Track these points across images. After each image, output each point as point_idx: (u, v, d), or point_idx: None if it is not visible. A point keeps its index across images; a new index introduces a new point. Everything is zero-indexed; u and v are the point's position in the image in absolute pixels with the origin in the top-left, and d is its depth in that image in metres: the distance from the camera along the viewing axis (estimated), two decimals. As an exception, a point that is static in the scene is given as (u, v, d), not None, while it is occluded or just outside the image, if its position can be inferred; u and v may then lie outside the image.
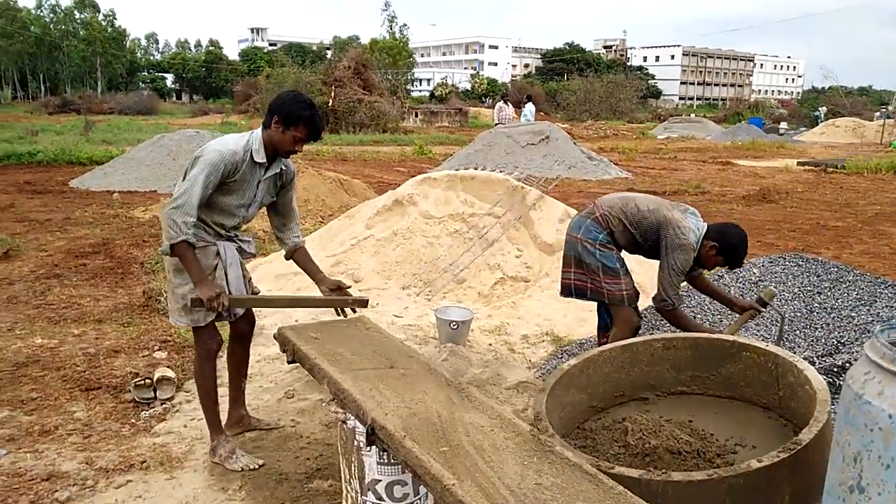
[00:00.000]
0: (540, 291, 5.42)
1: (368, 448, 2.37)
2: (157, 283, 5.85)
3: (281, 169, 3.07)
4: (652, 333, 3.95)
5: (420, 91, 66.94)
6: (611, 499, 1.75)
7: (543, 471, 1.88)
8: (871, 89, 72.91)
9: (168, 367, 4.19)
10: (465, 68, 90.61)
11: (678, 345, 3.20)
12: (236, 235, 3.15)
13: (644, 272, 5.01)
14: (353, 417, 2.39)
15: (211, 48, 78.51)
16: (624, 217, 3.48)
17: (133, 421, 3.64)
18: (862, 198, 11.42)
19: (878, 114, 35.39)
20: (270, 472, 3.08)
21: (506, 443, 2.04)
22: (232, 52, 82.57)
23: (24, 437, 3.37)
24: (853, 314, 3.90)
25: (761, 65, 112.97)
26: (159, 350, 4.59)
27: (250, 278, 3.30)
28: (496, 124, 19.16)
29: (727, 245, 3.34)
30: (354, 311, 3.29)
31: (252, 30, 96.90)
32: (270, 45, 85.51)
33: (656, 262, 3.52)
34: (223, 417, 3.48)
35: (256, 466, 3.07)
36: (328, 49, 64.14)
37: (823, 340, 3.83)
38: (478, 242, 5.93)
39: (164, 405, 3.82)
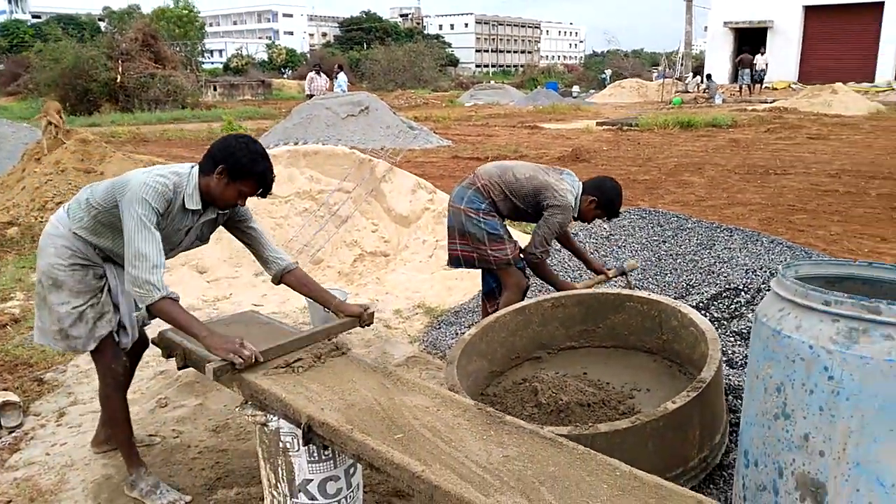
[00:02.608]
0: (402, 265, 5.40)
1: (297, 449, 2.24)
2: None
3: (218, 213, 2.62)
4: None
5: (213, 63, 63.12)
6: (578, 459, 1.79)
7: (505, 442, 1.88)
8: (644, 52, 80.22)
9: (6, 390, 3.66)
10: (260, 38, 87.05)
11: (566, 302, 3.35)
12: None
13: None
14: (274, 419, 2.23)
15: (-39, 22, 68.29)
16: (504, 186, 3.54)
17: (-23, 457, 3.14)
18: (659, 152, 12.59)
19: (655, 74, 39.09)
20: (166, 489, 2.80)
21: (456, 420, 2.01)
22: (-12, 27, 72.48)
23: None
24: (696, 258, 4.30)
25: (547, 31, 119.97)
26: (-14, 372, 3.99)
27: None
28: (308, 96, 18.62)
29: (605, 198, 3.53)
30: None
31: (10, 0, 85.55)
32: (34, 16, 76.12)
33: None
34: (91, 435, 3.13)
35: (185, 502, 2.71)
36: (101, 20, 58.30)
37: (674, 284, 4.20)
38: (330, 220, 5.76)
39: (12, 433, 3.34)
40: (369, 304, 2.86)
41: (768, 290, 2.34)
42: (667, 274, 4.31)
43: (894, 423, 1.78)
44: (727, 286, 3.93)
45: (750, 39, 35.64)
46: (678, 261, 4.37)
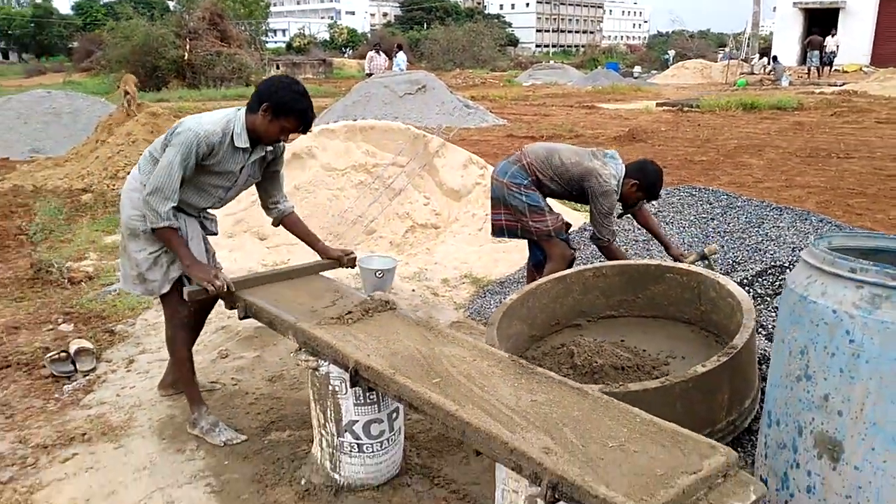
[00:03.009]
0: (452, 237, 5.55)
1: (345, 392, 2.42)
2: (46, 254, 5.45)
3: (266, 151, 2.87)
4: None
5: (276, 42, 64.14)
6: (601, 406, 1.92)
7: (534, 389, 2.02)
8: (710, 32, 78.00)
9: (80, 338, 3.97)
10: (322, 18, 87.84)
11: (607, 272, 3.44)
12: (200, 214, 2.98)
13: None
14: (325, 364, 2.42)
15: (39, 1, 70.97)
16: (550, 169, 3.65)
17: (56, 396, 3.44)
18: (719, 133, 12.37)
19: (720, 55, 38.06)
20: (225, 429, 3.04)
21: (491, 370, 2.16)
22: (63, 6, 75.15)
23: (-63, 425, 3.12)
24: (744, 235, 4.32)
25: (610, 11, 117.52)
26: (64, 323, 4.32)
27: (214, 253, 3.12)
28: (368, 74, 18.88)
29: (647, 181, 3.61)
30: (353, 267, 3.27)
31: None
32: (107, -3, 78.56)
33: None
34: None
35: (241, 440, 2.92)
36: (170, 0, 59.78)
37: (720, 261, 4.22)
38: (384, 192, 5.95)
39: (86, 377, 3.64)
40: (352, 250, 3.20)
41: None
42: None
43: (912, 385, 1.85)
44: (773, 263, 3.94)
45: (820, 20, 34.26)
46: (725, 238, 4.39)
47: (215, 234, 3.11)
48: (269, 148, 2.87)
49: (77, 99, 12.70)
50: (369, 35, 61.14)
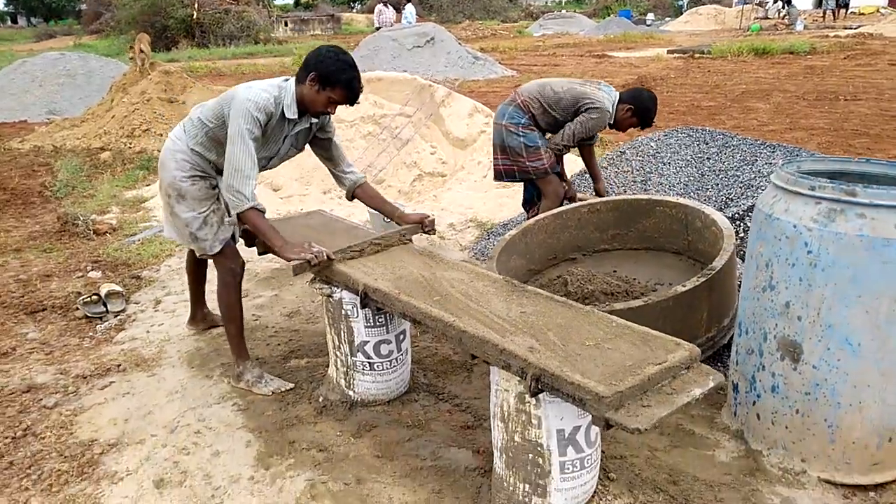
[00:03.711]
0: (458, 184, 5.74)
1: (356, 315, 2.66)
2: (72, 208, 5.72)
3: (312, 122, 2.86)
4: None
5: (283, -1, 63.44)
6: (582, 314, 2.15)
7: (524, 303, 2.25)
8: (725, -23, 76.37)
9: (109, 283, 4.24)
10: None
11: (601, 208, 3.64)
12: None
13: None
14: (338, 290, 2.66)
15: (45, -37, 70.40)
16: (543, 100, 3.80)
17: (91, 334, 3.72)
18: (728, 79, 12.35)
19: (735, 0, 37.34)
20: (248, 358, 3.30)
21: (486, 288, 2.39)
22: (70, -33, 74.42)
23: (-18, 362, 3.41)
24: (738, 173, 4.48)
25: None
26: (93, 270, 4.59)
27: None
28: (376, 28, 18.83)
29: (641, 106, 3.74)
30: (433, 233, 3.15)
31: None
32: (113, -44, 77.69)
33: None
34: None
35: (288, 388, 2.97)
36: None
37: (714, 198, 4.40)
38: (392, 142, 6.13)
39: (117, 317, 3.91)
40: (429, 214, 3.11)
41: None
42: (708, 189, 4.51)
43: (862, 290, 2.05)
44: (763, 198, 4.11)
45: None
46: (720, 176, 4.55)
47: None
48: (314, 119, 2.84)
49: (90, 60, 12.88)
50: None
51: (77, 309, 3.96)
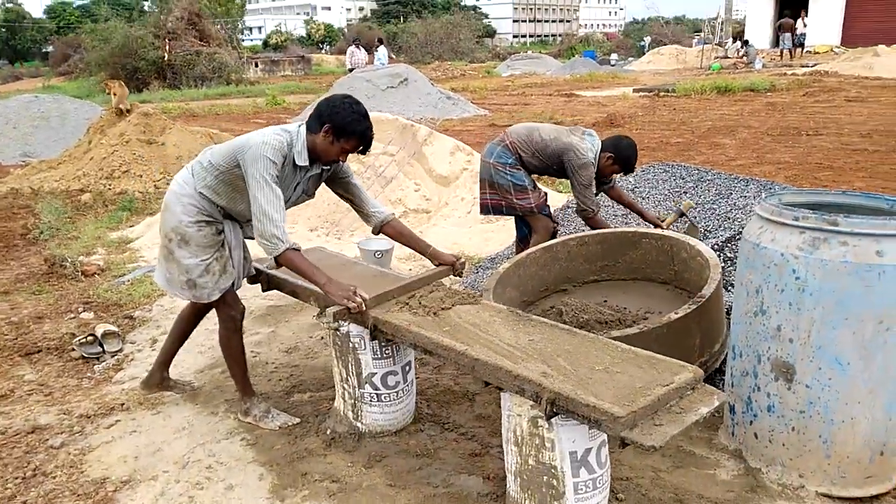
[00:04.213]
0: (443, 220, 5.88)
1: (364, 347, 2.75)
2: (58, 250, 5.71)
3: (322, 169, 2.87)
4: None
5: (252, 40, 63.93)
6: (588, 341, 2.27)
7: (531, 331, 2.36)
8: (685, 18, 78.99)
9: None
10: (297, 14, 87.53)
11: (589, 241, 3.79)
12: (246, 221, 2.95)
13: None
14: (345, 324, 2.74)
15: (10, 5, 70.22)
16: (530, 145, 3.99)
17: (89, 375, 3.73)
18: (694, 116, 12.79)
19: (695, 40, 38.64)
20: (251, 394, 3.34)
21: (492, 318, 2.50)
22: (35, 10, 74.29)
23: (-18, 405, 3.40)
24: (714, 206, 4.68)
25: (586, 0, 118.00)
26: (85, 311, 4.60)
27: (251, 260, 3.18)
28: (349, 69, 19.11)
29: (622, 155, 3.94)
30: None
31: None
32: (79, -2, 77.79)
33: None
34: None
35: (295, 422, 3.00)
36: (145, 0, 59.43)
37: (698, 215, 4.58)
38: (376, 181, 6.26)
39: (114, 357, 3.93)
40: (461, 256, 3.06)
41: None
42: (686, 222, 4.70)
43: (848, 312, 2.21)
44: (741, 230, 4.30)
45: (791, 3, 34.81)
46: (697, 209, 4.75)
47: (252, 238, 2.96)
48: (326, 167, 2.87)
49: (64, 102, 12.88)
50: (346, 30, 61.14)
51: (73, 350, 3.97)
